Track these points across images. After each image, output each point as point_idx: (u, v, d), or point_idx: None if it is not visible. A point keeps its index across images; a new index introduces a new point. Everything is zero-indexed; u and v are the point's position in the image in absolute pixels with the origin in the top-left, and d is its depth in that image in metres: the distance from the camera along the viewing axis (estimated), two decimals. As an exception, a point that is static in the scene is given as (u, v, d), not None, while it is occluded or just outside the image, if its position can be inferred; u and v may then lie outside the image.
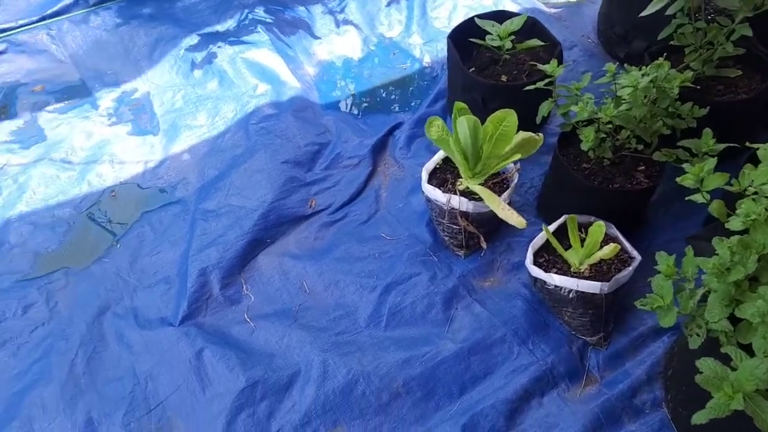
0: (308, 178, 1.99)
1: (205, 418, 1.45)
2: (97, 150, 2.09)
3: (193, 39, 2.44)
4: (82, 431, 1.44)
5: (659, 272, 1.19)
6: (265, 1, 2.59)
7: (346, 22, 2.57)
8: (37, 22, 2.51)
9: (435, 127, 1.61)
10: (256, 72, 2.30)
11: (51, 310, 1.67)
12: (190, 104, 2.23)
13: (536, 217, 1.86)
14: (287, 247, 1.83)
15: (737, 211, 1.11)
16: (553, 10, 2.58)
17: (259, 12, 2.54)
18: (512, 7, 2.55)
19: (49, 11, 2.53)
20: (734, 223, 1.10)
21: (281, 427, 1.44)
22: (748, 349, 1.03)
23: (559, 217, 1.65)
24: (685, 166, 1.29)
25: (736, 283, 1.05)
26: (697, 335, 1.10)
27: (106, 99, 2.28)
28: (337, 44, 2.48)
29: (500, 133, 1.57)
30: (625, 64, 1.65)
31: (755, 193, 1.14)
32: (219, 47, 2.40)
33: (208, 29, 2.48)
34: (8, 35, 2.46)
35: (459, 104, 1.59)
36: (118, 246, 1.83)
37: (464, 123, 1.53)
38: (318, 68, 2.40)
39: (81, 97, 2.28)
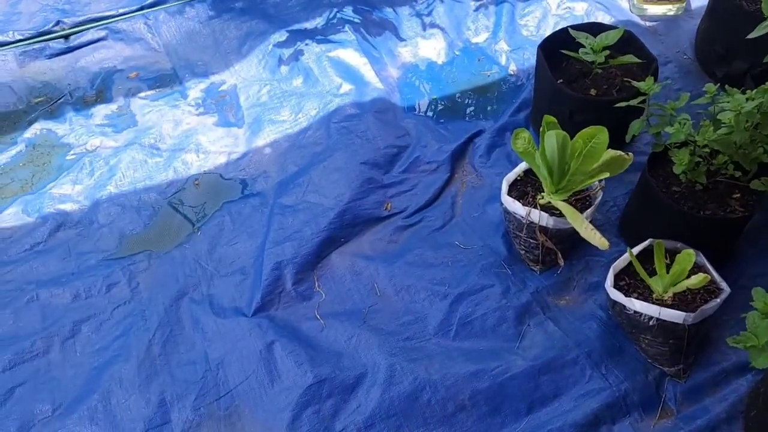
0: (385, 180, 2.00)
1: (271, 410, 1.48)
2: (184, 138, 2.16)
3: (281, 35, 2.48)
4: (155, 410, 1.49)
5: (755, 308, 1.13)
6: (354, 1, 2.61)
7: (433, 25, 2.56)
8: (136, 11, 2.62)
9: (521, 140, 1.58)
10: (340, 71, 2.33)
11: (132, 290, 1.74)
12: (274, 99, 2.27)
13: (617, 237, 1.80)
14: (361, 248, 1.84)
15: None
16: (648, 24, 2.49)
17: (348, 11, 2.57)
18: (605, 19, 2.48)
19: (148, 1, 2.64)
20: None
21: (345, 427, 1.44)
22: None
23: (642, 240, 1.60)
24: (790, 198, 1.22)
25: (842, 330, 0.98)
26: (794, 380, 1.04)
27: (195, 89, 2.35)
28: (422, 47, 2.48)
29: (589, 150, 1.53)
30: (726, 86, 1.57)
31: None
32: (306, 45, 2.44)
33: (297, 26, 2.52)
34: (109, 23, 2.57)
35: (548, 117, 1.55)
36: (199, 233, 1.88)
37: (553, 137, 1.50)
38: (401, 70, 2.40)
39: (172, 86, 2.36)
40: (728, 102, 1.49)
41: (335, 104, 2.20)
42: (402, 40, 2.51)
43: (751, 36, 1.66)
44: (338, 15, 2.55)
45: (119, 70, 2.43)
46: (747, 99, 1.48)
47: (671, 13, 2.50)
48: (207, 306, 1.69)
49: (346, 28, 2.49)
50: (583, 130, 1.54)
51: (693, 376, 1.47)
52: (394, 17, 2.58)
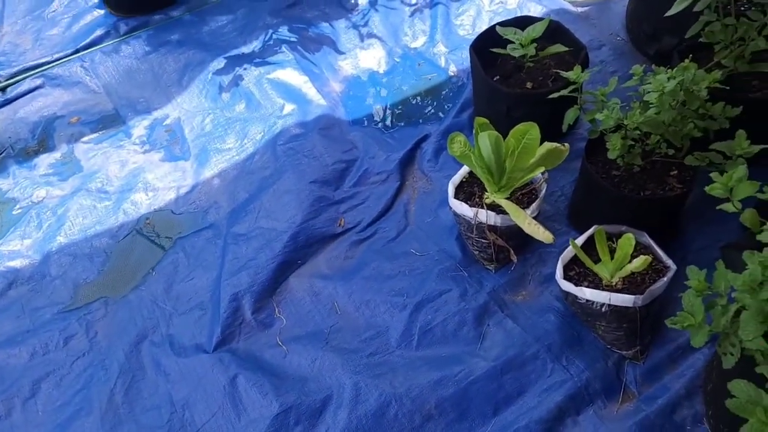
0: (336, 197, 2.00)
1: (240, 445, 1.47)
2: (132, 178, 2.14)
3: (220, 62, 2.48)
4: (123, 460, 1.48)
5: (690, 287, 1.15)
6: (289, 20, 2.61)
7: (371, 35, 2.57)
8: (71, 54, 2.59)
9: (457, 143, 1.60)
10: (282, 92, 2.33)
11: (91, 340, 1.72)
12: (219, 128, 2.26)
13: (568, 226, 1.82)
14: (318, 268, 1.84)
15: (767, 224, 1.06)
16: (580, 9, 2.52)
17: (283, 31, 2.57)
18: (537, 9, 2.50)
19: (82, 44, 2.61)
20: (766, 235, 1.05)
21: (316, 452, 1.45)
22: (788, 369, 0.99)
23: (591, 227, 1.62)
24: (712, 175, 1.24)
25: (769, 300, 1.00)
26: (731, 354, 1.06)
27: (139, 127, 2.33)
28: (362, 58, 2.49)
29: (523, 147, 1.54)
30: (653, 65, 1.60)
31: (789, 202, 1.09)
32: (245, 69, 2.43)
33: (234, 52, 2.52)
34: (44, 70, 2.54)
35: (480, 119, 1.57)
36: (154, 273, 1.87)
37: (486, 139, 1.51)
38: (344, 84, 2.41)
39: (115, 127, 2.35)
40: (653, 83, 1.52)
41: (279, 126, 2.20)
42: (341, 53, 2.51)
43: (669, 13, 1.69)
44: (274, 36, 2.55)
45: (59, 116, 2.40)
46: (669, 78, 1.50)
47: (602, -4, 2.54)
48: (167, 347, 1.68)
49: (284, 48, 2.49)
50: (515, 127, 1.56)
51: (651, 357, 1.49)
52: (331, 31, 2.59)
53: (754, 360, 1.04)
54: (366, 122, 2.26)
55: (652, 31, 2.18)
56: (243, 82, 2.40)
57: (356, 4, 2.68)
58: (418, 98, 2.32)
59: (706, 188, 1.26)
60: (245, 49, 2.52)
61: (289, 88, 2.34)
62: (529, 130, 1.54)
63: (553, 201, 1.89)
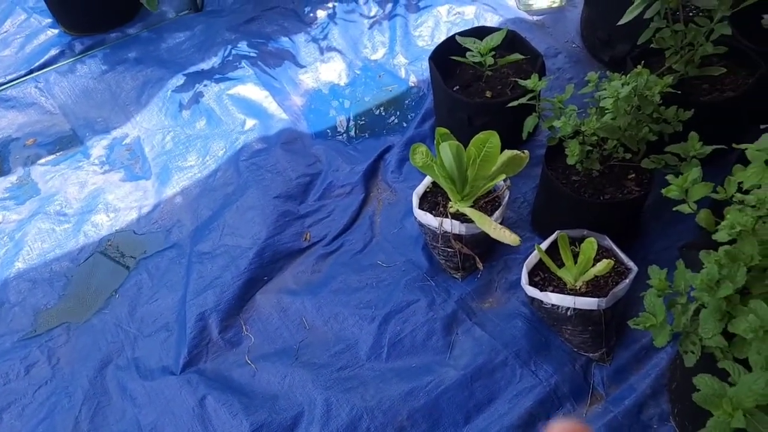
0: (301, 211, 1.99)
1: (211, 467, 1.45)
2: (91, 200, 2.10)
3: (179, 79, 2.45)
4: (90, 490, 1.44)
5: (651, 287, 1.17)
6: (248, 35, 2.60)
7: (330, 48, 2.57)
8: (25, 76, 2.54)
9: (419, 154, 1.61)
10: (243, 107, 2.31)
11: (53, 367, 1.67)
12: (180, 145, 2.24)
13: (531, 232, 1.84)
14: (285, 283, 1.83)
15: (722, 223, 1.09)
16: (535, 18, 2.57)
17: (243, 47, 2.56)
18: (494, 19, 2.54)
19: (36, 64, 2.56)
20: (720, 235, 1.08)
21: (288, 470, 1.43)
22: (746, 363, 1.01)
23: (554, 232, 1.64)
24: (668, 177, 1.28)
25: (726, 298, 1.03)
26: (692, 353, 1.08)
27: (98, 147, 2.29)
28: (323, 71, 2.49)
29: (484, 156, 1.56)
30: (608, 72, 1.63)
31: (741, 202, 1.12)
32: (205, 86, 2.41)
33: (193, 68, 2.49)
34: (-2, 92, 2.49)
35: (441, 130, 1.58)
36: (117, 296, 1.83)
37: (447, 149, 1.53)
38: (305, 97, 2.40)
39: (73, 147, 2.30)
40: (607, 90, 1.55)
41: (241, 142, 2.19)
42: (302, 67, 2.51)
43: (621, 21, 1.73)
44: (233, 51, 2.54)
45: (15, 138, 2.35)
46: (622, 84, 1.54)
47: (555, 5, 2.59)
48: (133, 370, 1.64)
49: (243, 63, 2.47)
50: (476, 136, 1.57)
51: (617, 358, 1.52)
52: (291, 46, 2.58)
53: (715, 357, 1.06)
54: (329, 135, 2.26)
55: (607, 38, 2.23)
56: (203, 98, 2.38)
57: (315, 18, 2.68)
58: (380, 110, 2.33)
59: (663, 191, 1.29)
60: (204, 66, 2.50)
61: (250, 104, 2.33)
62: (490, 138, 1.55)
63: (516, 208, 1.91)
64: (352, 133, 2.27)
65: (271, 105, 2.30)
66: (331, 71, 2.49)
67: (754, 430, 0.94)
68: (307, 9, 2.72)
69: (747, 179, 1.28)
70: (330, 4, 2.73)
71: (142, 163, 2.22)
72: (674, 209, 1.27)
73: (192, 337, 1.67)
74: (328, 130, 2.28)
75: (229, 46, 2.56)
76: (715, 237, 1.10)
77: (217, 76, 2.45)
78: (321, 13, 2.70)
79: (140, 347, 1.70)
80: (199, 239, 1.93)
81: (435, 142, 1.58)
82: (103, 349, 1.70)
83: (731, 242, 1.12)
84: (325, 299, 1.75)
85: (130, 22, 2.73)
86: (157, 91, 2.43)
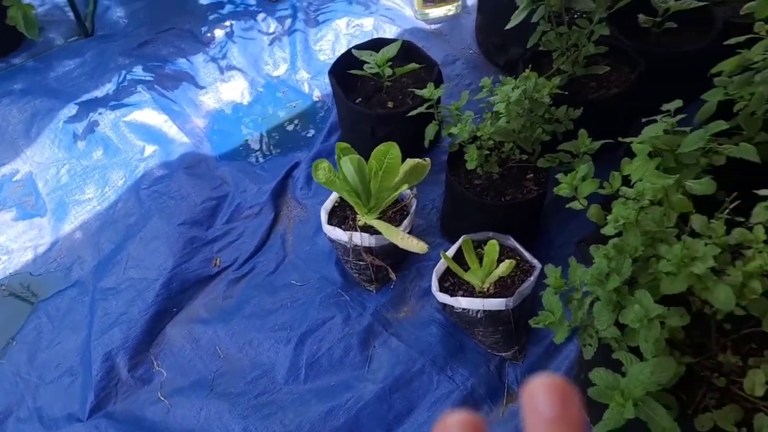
0: (209, 236, 1.94)
1: None
2: (-19, 243, 1.97)
3: (71, 109, 2.34)
4: None
5: (548, 286, 1.21)
6: (143, 59, 2.52)
7: (231, 67, 2.53)
8: None
9: (322, 170, 1.59)
10: (141, 134, 2.23)
11: (-55, 428, 1.56)
12: (76, 178, 2.13)
13: (441, 237, 1.87)
14: (196, 313, 1.77)
15: (608, 217, 1.14)
16: (432, 26, 2.62)
17: (138, 71, 2.47)
18: (393, 30, 2.57)
19: None
20: (607, 229, 1.12)
21: (209, 507, 1.38)
22: (640, 352, 1.05)
23: (462, 236, 1.66)
24: (559, 176, 1.32)
25: (616, 289, 1.07)
26: (590, 345, 1.12)
27: (-15, 186, 2.16)
28: (224, 91, 2.44)
29: (386, 167, 1.57)
30: (500, 76, 1.67)
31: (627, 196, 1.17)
32: (100, 114, 2.32)
33: (86, 97, 2.39)
34: None
35: (341, 144, 1.58)
36: (15, 343, 1.72)
37: (348, 163, 1.52)
38: (207, 119, 2.35)
39: (-42, 188, 2.16)
40: (498, 95, 1.60)
41: (142, 169, 2.11)
42: (202, 87, 2.46)
43: (508, 27, 1.79)
44: (128, 77, 2.45)
45: None
46: (513, 88, 1.58)
47: (451, 12, 2.65)
48: (36, 422, 1.55)
49: (139, 88, 2.39)
50: (376, 149, 1.58)
51: (529, 355, 1.55)
52: (189, 67, 2.52)
53: (611, 347, 1.10)
54: (234, 156, 2.21)
55: (500, 42, 2.29)
56: (98, 127, 2.28)
57: (213, 37, 2.63)
58: (286, 126, 2.30)
59: (555, 189, 1.33)
60: (98, 93, 2.40)
61: (148, 129, 2.25)
62: (390, 150, 1.56)
63: (425, 214, 1.93)
64: (259, 151, 2.23)
65: (171, 129, 2.24)
66: (233, 90, 2.44)
67: (646, 418, 0.97)
68: (203, 29, 2.66)
69: (633, 172, 1.34)
70: (227, 23, 2.69)
71: (35, 200, 2.10)
72: (567, 206, 1.31)
73: (98, 379, 1.59)
74: (234, 151, 2.23)
75: (124, 72, 2.47)
76: (602, 231, 1.15)
77: (113, 103, 2.36)
78: (219, 32, 2.66)
79: (42, 396, 1.61)
80: (102, 275, 1.85)
81: (336, 156, 1.58)
82: (2, 402, 1.60)
83: (619, 235, 1.16)
84: (239, 325, 1.70)
85: (15, 52, 2.60)
86: (47, 123, 2.31)
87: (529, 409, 0.30)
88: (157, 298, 1.75)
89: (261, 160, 2.19)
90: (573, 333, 1.31)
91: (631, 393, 0.95)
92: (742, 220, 1.18)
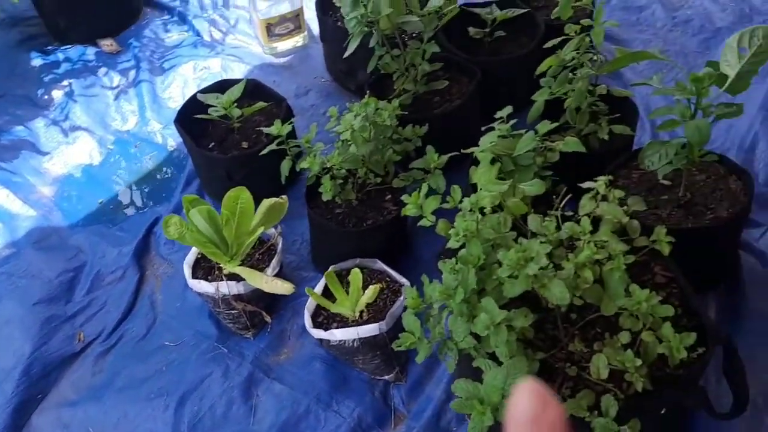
0: (69, 311, 1.82)
1: None
2: None
3: None
4: None
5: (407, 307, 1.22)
6: (-27, 132, 2.35)
7: (75, 128, 2.41)
8: None
9: (173, 226, 1.54)
10: (-20, 213, 2.07)
11: None
12: None
13: (315, 271, 1.85)
14: (63, 396, 1.65)
15: (450, 231, 1.17)
16: (282, 60, 2.62)
17: (-31, 146, 2.30)
18: (241, 68, 2.55)
19: None
20: (452, 243, 1.16)
21: None
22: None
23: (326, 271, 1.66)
24: (404, 197, 1.35)
25: (466, 300, 1.10)
26: (452, 358, 1.14)
27: None
28: (71, 154, 2.32)
29: (240, 212, 1.54)
30: (348, 103, 1.69)
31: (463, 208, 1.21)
32: (-69, 197, 2.13)
33: None
34: None
35: (187, 197, 1.54)
36: None
37: (197, 215, 1.48)
38: (55, 186, 2.21)
39: None
40: (342, 124, 1.62)
41: (-16, 252, 1.96)
42: (45, 154, 2.32)
43: (345, 56, 1.82)
44: (-42, 154, 2.28)
45: None
46: (355, 116, 1.61)
47: (299, 44, 2.66)
48: None
49: (-27, 164, 2.23)
50: (226, 195, 1.55)
51: (411, 373, 1.56)
52: (29, 134, 2.37)
53: (471, 357, 1.13)
54: (89, 221, 2.10)
55: (348, 69, 2.33)
56: (-70, 213, 2.09)
57: (51, 99, 2.50)
58: (142, 182, 2.21)
59: (402, 210, 1.36)
60: (-73, 175, 2.21)
61: (-12, 207, 2.09)
62: (240, 194, 1.54)
63: (296, 250, 1.91)
64: (116, 212, 2.13)
65: (13, 204, 2.09)
66: (81, 152, 2.32)
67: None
68: (40, 92, 2.52)
69: (478, 180, 1.39)
70: (65, 82, 2.56)
71: None
72: (418, 225, 1.34)
73: (-44, 491, 1.45)
74: (88, 216, 2.11)
75: (-47, 149, 2.29)
76: (448, 245, 1.18)
77: (-57, 184, 2.18)
78: (57, 93, 2.53)
79: None
80: (-49, 374, 1.68)
81: (185, 209, 1.53)
82: None
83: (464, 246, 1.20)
84: (111, 400, 1.60)
85: None
86: None
87: (511, 413, 0.31)
88: (17, 389, 1.62)
89: (119, 220, 2.09)
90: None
91: (489, 400, 0.98)
92: (571, 213, 1.26)
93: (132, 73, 2.60)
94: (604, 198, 1.23)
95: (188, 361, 1.67)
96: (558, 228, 1.17)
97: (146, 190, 2.19)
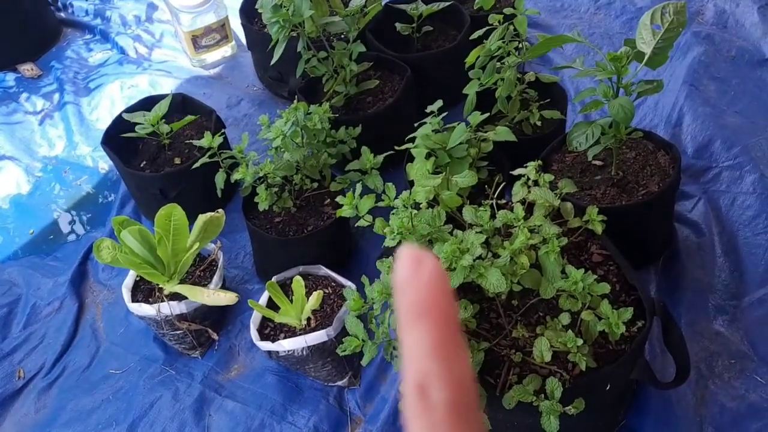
0: (6, 348, 1.74)
1: None
2: None
3: None
4: None
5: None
6: None
7: (-1, 157, 2.31)
8: None
9: (105, 249, 1.49)
10: None
11: None
12: None
13: (260, 283, 1.82)
14: (6, 437, 1.58)
15: (386, 230, 1.16)
16: (211, 71, 2.57)
17: None
18: (170, 83, 2.49)
19: None
20: (387, 242, 1.15)
21: None
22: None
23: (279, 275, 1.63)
24: (338, 199, 1.33)
25: (406, 298, 1.09)
26: (396, 357, 1.13)
27: None
28: (-3, 185, 2.22)
29: (174, 230, 1.50)
30: (279, 110, 1.66)
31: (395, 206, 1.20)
32: None
33: None
34: None
35: (117, 218, 1.49)
36: None
37: (129, 236, 1.43)
38: (-18, 219, 2.12)
39: None
40: (272, 132, 1.59)
41: None
42: (-31, 187, 2.22)
43: (273, 63, 1.79)
44: None
45: None
46: (285, 122, 1.59)
47: (228, 53, 2.62)
48: None
49: None
50: (158, 213, 1.50)
51: (365, 376, 1.55)
52: (-52, 168, 2.27)
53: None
54: (21, 253, 2.01)
55: (278, 75, 2.30)
56: None
57: (-29, 130, 2.39)
58: (76, 207, 2.14)
59: (338, 212, 1.34)
60: None
61: None
62: (172, 211, 1.49)
63: (240, 263, 1.87)
64: (50, 241, 2.05)
65: (-62, 241, 1.99)
66: (7, 182, 2.23)
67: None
68: (-43, 123, 2.41)
69: (413, 175, 1.39)
70: (-15, 111, 2.46)
71: None
72: (355, 225, 1.33)
73: None
74: (19, 248, 2.03)
75: None
76: (385, 245, 1.17)
77: None
78: (-24, 123, 2.42)
79: None
80: None
81: (116, 232, 1.48)
82: None
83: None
84: (58, 436, 1.54)
85: None
86: None
87: (393, 279, 0.31)
88: (-47, 436, 1.54)
89: (52, 250, 2.01)
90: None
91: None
92: (505, 202, 1.27)
93: (56, 97, 2.51)
94: (536, 183, 1.24)
95: (136, 387, 1.62)
96: (492, 217, 1.17)
97: (80, 216, 2.11)
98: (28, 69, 2.63)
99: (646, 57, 1.29)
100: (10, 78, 2.62)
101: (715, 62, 2.11)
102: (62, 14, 2.92)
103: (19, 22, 2.63)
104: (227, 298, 1.50)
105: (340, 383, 1.54)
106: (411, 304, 0.29)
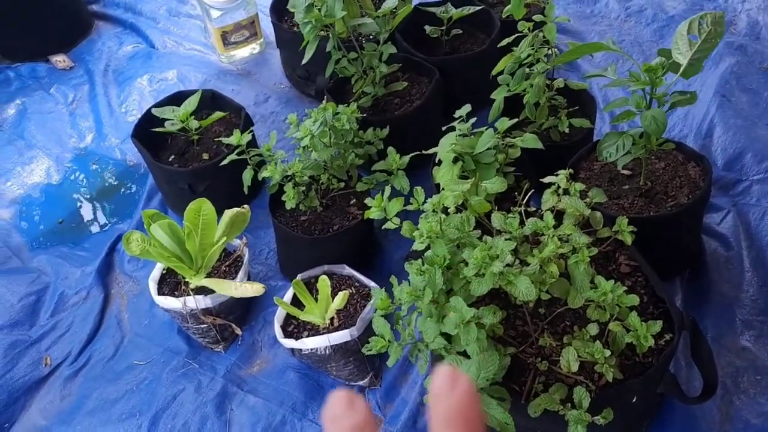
0: (34, 335, 1.77)
1: None
2: None
3: None
4: None
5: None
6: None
7: (31, 146, 2.35)
8: None
9: (134, 242, 1.51)
10: (-65, 241, 2.01)
11: None
12: None
13: (283, 280, 1.83)
14: (32, 422, 1.61)
15: (415, 233, 1.16)
16: (240, 67, 2.59)
17: None
18: (198, 78, 2.51)
19: None
20: (417, 245, 1.15)
21: None
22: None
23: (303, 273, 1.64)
24: (367, 201, 1.34)
25: (434, 301, 1.09)
26: (423, 360, 1.14)
27: None
28: (28, 174, 2.26)
29: (202, 224, 1.51)
30: (307, 109, 1.67)
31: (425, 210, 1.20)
32: None
33: None
34: None
35: (147, 212, 1.50)
36: None
37: (159, 230, 1.45)
38: (13, 208, 2.16)
39: None
40: (301, 131, 1.60)
41: (-58, 280, 1.89)
42: (1, 175, 2.25)
43: (304, 62, 1.80)
44: None
45: None
46: (314, 122, 1.60)
47: (256, 51, 2.64)
48: None
49: (-75, 190, 2.15)
50: (187, 208, 1.52)
51: (386, 377, 1.56)
52: (-18, 155, 2.31)
53: (443, 358, 1.12)
54: (50, 242, 2.05)
55: (306, 74, 2.31)
56: None
57: (3, 119, 2.43)
58: (103, 198, 2.17)
59: (366, 213, 1.35)
60: None
61: (-57, 235, 2.03)
62: (202, 206, 1.51)
63: (264, 260, 1.89)
64: (78, 231, 2.08)
65: (-30, 228, 2.03)
66: (38, 172, 2.27)
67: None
68: (-9, 111, 2.46)
69: (440, 179, 1.39)
70: (18, 101, 2.50)
71: None
72: (383, 228, 1.33)
73: None
74: (49, 237, 2.06)
75: None
76: (413, 248, 1.17)
77: None
78: (10, 111, 2.46)
79: None
80: None
81: (145, 225, 1.50)
82: None
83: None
84: (82, 424, 1.57)
85: None
86: None
87: (429, 391, 0.35)
88: (-19, 420, 1.57)
89: (81, 239, 2.04)
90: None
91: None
92: (535, 209, 1.27)
93: (86, 88, 2.55)
94: (566, 192, 1.24)
95: (159, 379, 1.64)
96: (522, 224, 1.17)
97: (108, 207, 2.14)
98: (60, 60, 2.67)
99: (682, 68, 1.28)
100: (42, 69, 2.67)
101: (747, 74, 2.08)
102: (94, 7, 2.95)
103: (52, 14, 2.67)
104: (254, 289, 1.51)
105: (361, 383, 1.55)
106: (445, 409, 0.34)
